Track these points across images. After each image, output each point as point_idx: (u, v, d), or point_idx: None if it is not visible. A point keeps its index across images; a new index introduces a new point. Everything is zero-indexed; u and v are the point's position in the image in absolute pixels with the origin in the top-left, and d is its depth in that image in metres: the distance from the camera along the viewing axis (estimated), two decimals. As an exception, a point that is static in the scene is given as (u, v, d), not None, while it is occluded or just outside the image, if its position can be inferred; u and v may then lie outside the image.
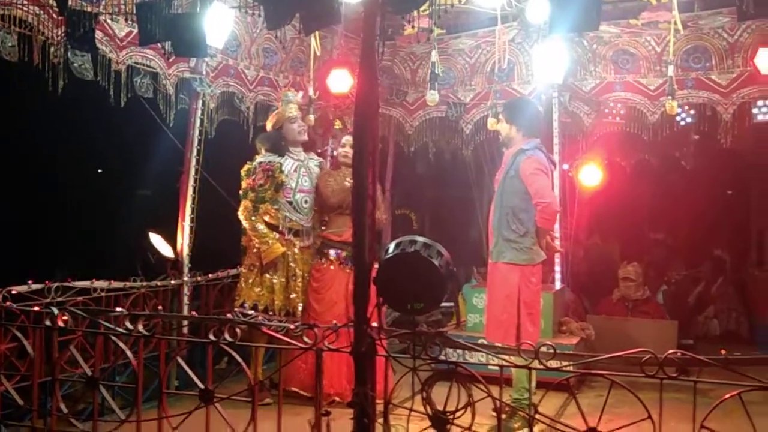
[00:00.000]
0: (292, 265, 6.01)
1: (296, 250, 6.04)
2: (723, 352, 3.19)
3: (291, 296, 5.99)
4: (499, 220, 5.36)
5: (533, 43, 7.05)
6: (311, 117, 6.87)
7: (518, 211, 5.27)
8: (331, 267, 6.03)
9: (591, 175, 8.35)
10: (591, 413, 3.26)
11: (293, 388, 5.77)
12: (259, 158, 6.07)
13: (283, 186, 5.98)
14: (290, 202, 6.04)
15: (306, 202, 6.12)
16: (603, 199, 8.51)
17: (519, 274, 5.26)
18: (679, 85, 6.55)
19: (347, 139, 6.05)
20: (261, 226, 5.92)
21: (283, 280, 5.98)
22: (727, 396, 3.08)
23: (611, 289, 7.90)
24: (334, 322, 3.80)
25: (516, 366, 3.67)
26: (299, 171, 6.12)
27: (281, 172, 5.99)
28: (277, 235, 5.97)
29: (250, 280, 5.96)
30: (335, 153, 6.68)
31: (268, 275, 5.93)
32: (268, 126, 6.26)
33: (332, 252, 6.06)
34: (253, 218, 5.91)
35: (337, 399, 5.62)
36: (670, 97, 5.94)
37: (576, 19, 4.26)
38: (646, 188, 9.30)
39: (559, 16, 4.31)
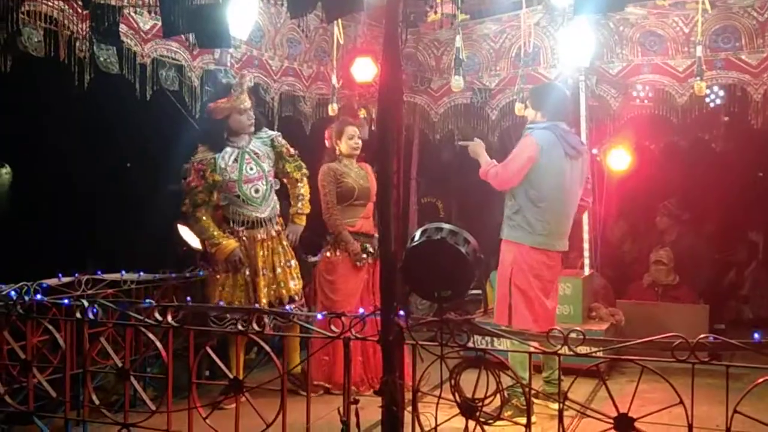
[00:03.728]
0: (255, 260, 5.63)
1: (257, 244, 5.65)
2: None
3: (263, 291, 5.62)
4: (506, 197, 5.42)
5: (558, 27, 6.96)
6: (334, 106, 6.85)
7: (513, 189, 5.31)
8: (348, 258, 5.90)
9: (620, 159, 8.27)
10: (622, 399, 3.23)
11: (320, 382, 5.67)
12: (194, 157, 5.67)
13: (216, 186, 5.56)
14: (237, 196, 5.61)
15: (257, 191, 5.65)
16: (632, 183, 8.42)
17: (512, 254, 5.27)
18: (708, 65, 6.42)
19: (355, 130, 6.01)
20: (203, 227, 5.59)
21: (250, 274, 5.62)
22: (760, 380, 3.03)
23: (641, 275, 7.83)
24: (362, 310, 3.80)
25: (545, 352, 3.65)
26: (241, 159, 5.64)
27: (213, 170, 5.53)
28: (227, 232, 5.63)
29: (219, 283, 5.67)
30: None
31: (231, 273, 5.60)
32: (214, 115, 5.69)
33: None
34: (191, 221, 5.67)
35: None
36: (698, 78, 5.85)
37: (601, 1, 4.21)
38: (675, 171, 9.16)
39: (584, -2, 4.26)
